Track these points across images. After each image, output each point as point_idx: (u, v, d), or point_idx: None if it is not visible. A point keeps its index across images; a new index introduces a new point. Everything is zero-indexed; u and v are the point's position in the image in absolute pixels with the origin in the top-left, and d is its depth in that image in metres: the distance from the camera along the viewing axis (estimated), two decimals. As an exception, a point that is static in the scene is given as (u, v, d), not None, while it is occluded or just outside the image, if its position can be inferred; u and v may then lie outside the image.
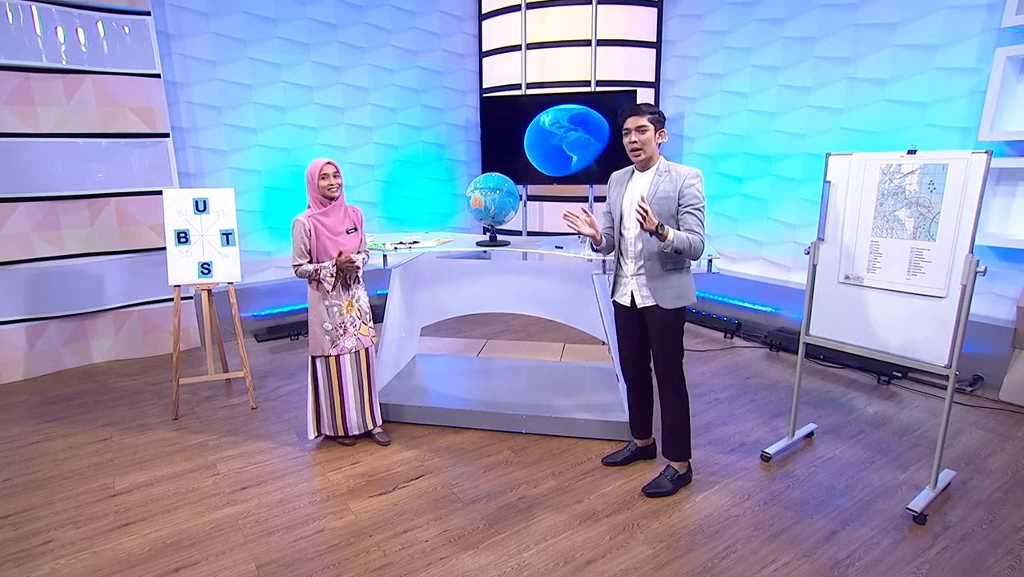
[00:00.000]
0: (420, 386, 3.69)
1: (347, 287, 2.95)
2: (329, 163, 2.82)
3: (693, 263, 2.61)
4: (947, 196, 2.41)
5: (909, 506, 2.52)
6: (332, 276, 2.84)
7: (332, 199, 2.85)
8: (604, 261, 3.17)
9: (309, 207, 2.89)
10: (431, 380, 3.82)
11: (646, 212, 2.29)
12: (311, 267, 2.84)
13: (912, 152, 2.51)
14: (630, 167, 2.62)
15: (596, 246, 2.68)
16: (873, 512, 2.56)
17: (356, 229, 2.95)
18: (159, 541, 2.41)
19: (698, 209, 2.44)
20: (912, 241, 2.54)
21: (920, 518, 2.47)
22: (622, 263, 2.63)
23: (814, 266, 2.88)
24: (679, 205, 2.45)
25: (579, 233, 2.57)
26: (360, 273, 2.99)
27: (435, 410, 3.37)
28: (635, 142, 2.48)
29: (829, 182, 2.78)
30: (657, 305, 2.54)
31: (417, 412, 3.37)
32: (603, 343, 4.38)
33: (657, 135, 2.50)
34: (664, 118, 2.53)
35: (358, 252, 2.97)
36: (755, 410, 3.56)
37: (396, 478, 2.84)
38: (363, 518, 2.53)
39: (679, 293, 2.53)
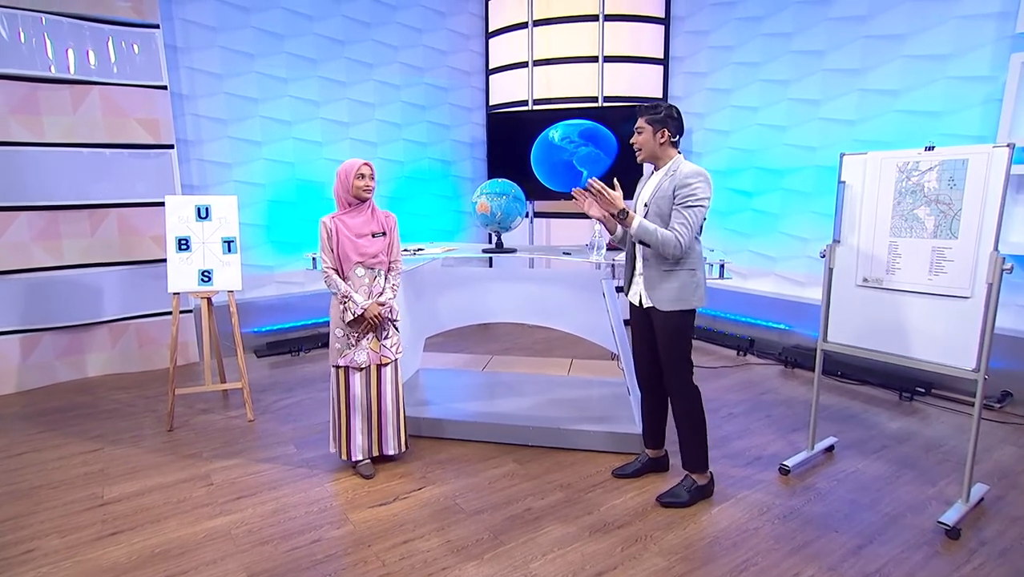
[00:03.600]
0: (422, 398, 3.62)
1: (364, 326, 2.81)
2: (366, 164, 2.75)
3: (707, 267, 2.55)
4: (968, 192, 2.38)
5: (941, 520, 2.41)
6: (353, 315, 2.73)
7: (363, 200, 2.78)
8: (612, 266, 3.14)
9: (337, 208, 2.82)
10: (433, 392, 3.75)
11: (598, 191, 2.39)
12: (342, 287, 2.73)
13: (930, 148, 2.48)
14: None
15: (612, 234, 2.66)
16: (902, 526, 2.45)
17: (384, 234, 2.82)
18: (147, 550, 2.33)
19: (688, 208, 2.36)
20: (933, 240, 2.49)
21: (953, 533, 2.36)
22: (634, 261, 2.60)
23: (830, 269, 2.83)
24: (673, 203, 2.41)
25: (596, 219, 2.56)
26: (393, 317, 2.85)
27: (437, 422, 3.30)
28: (633, 143, 2.53)
29: (844, 182, 2.76)
30: (654, 307, 2.50)
31: (419, 424, 3.29)
32: (613, 356, 4.31)
33: (657, 135, 2.47)
34: (666, 117, 2.46)
35: (390, 262, 2.86)
36: (771, 425, 3.47)
37: (397, 489, 2.75)
38: (362, 528, 2.45)
39: (677, 296, 2.46)
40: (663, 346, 2.55)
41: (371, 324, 2.79)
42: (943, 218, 2.46)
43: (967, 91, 3.79)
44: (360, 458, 2.89)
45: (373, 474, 2.86)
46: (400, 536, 2.39)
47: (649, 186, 2.55)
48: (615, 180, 2.54)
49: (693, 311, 2.52)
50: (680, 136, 2.52)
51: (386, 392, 2.90)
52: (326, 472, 2.93)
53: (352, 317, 2.72)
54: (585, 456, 3.05)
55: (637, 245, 2.55)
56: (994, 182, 2.30)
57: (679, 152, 2.53)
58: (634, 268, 2.60)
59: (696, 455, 2.63)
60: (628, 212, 2.42)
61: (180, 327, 3.76)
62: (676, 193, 2.40)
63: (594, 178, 2.44)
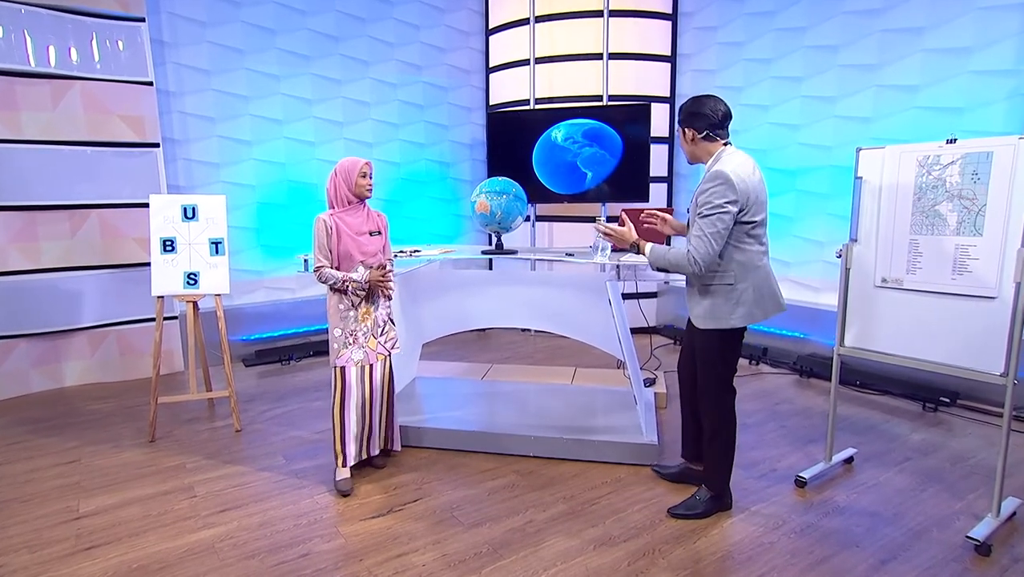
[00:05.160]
0: (418, 407, 3.59)
1: (372, 299, 2.88)
2: (367, 163, 2.83)
3: (742, 284, 2.37)
4: (993, 186, 2.36)
5: (970, 535, 2.37)
6: (363, 290, 2.78)
7: (363, 199, 2.86)
8: (618, 267, 3.12)
9: (330, 207, 2.86)
10: (430, 401, 3.72)
11: (606, 233, 2.54)
12: (339, 274, 2.75)
13: (952, 141, 2.48)
14: None
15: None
16: (927, 541, 2.41)
17: (380, 233, 2.91)
18: (124, 565, 2.29)
19: (704, 217, 2.28)
20: (956, 237, 2.48)
21: (984, 548, 2.32)
22: None
23: (847, 270, 2.81)
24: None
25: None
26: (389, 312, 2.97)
27: (434, 432, 3.27)
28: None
29: (861, 178, 2.75)
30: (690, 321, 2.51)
31: (414, 434, 3.26)
32: (619, 364, 4.28)
33: (686, 137, 2.45)
34: (688, 114, 2.43)
35: (384, 261, 2.94)
36: (786, 436, 3.43)
37: (391, 501, 2.72)
38: (353, 542, 2.41)
39: (710, 313, 2.41)
40: (699, 364, 2.53)
41: (380, 287, 2.85)
42: (967, 214, 2.44)
43: (990, 86, 3.79)
44: (353, 461, 2.90)
45: (351, 491, 2.81)
46: (394, 550, 2.36)
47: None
48: (622, 213, 2.66)
49: (733, 331, 2.43)
50: (716, 129, 2.39)
51: (376, 389, 2.95)
52: (316, 483, 2.90)
53: (363, 292, 2.79)
54: (590, 467, 3.02)
55: None
56: (1021, 175, 2.29)
57: (725, 145, 2.41)
58: None
59: (716, 476, 2.59)
60: (639, 244, 2.47)
61: (164, 334, 3.71)
62: (697, 200, 2.35)
63: (600, 222, 2.61)
